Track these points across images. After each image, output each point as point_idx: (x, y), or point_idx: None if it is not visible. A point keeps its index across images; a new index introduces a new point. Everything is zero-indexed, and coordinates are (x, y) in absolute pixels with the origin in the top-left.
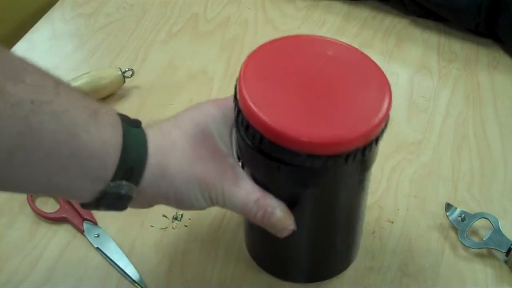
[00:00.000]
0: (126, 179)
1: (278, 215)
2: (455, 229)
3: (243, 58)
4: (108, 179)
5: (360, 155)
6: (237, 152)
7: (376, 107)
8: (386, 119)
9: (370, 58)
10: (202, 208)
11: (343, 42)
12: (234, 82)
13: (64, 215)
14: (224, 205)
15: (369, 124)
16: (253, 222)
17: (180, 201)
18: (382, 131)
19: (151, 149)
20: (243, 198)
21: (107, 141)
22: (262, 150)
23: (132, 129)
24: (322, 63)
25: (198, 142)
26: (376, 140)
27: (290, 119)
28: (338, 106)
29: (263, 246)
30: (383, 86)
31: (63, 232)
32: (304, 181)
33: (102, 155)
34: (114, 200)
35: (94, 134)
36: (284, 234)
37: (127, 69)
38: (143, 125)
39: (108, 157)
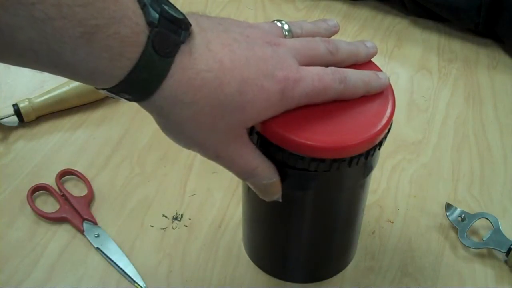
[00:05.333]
0: (118, 95)
1: (264, 184)
2: (455, 229)
3: None
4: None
5: (363, 159)
6: None
7: (380, 112)
8: (389, 124)
9: (373, 62)
10: None
11: None
12: None
13: (64, 215)
14: (217, 163)
15: (373, 129)
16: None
17: (168, 135)
18: (385, 136)
19: (164, 91)
20: (240, 168)
21: (98, 69)
22: (266, 153)
23: (154, 59)
24: None
25: (222, 112)
26: (380, 144)
27: (294, 122)
28: (342, 110)
29: (263, 247)
30: (386, 90)
31: (63, 232)
32: (307, 184)
33: (88, 79)
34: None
35: (80, 58)
36: (267, 199)
37: None
38: (192, 41)
39: (96, 81)
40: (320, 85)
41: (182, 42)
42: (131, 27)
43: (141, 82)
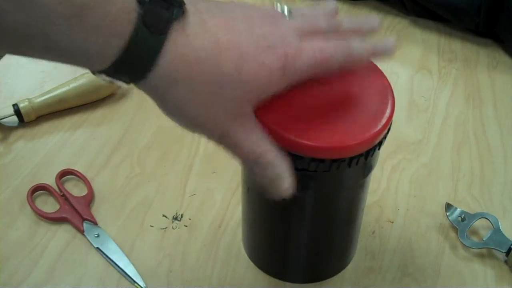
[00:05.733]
0: (114, 78)
1: (271, 177)
2: (455, 229)
3: None
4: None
5: (363, 159)
6: None
7: (379, 111)
8: (389, 124)
9: (372, 61)
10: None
11: None
12: None
13: (64, 215)
14: (218, 145)
15: (373, 129)
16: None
17: (171, 118)
18: (385, 136)
19: (158, 69)
20: (244, 152)
21: (91, 50)
22: None
23: (146, 37)
24: None
25: (221, 90)
26: (379, 144)
27: (293, 122)
28: (341, 110)
29: (262, 248)
30: (386, 90)
31: (63, 232)
32: (306, 184)
33: (82, 61)
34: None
35: (73, 39)
36: (274, 194)
37: None
38: (187, 19)
39: (90, 63)
40: (322, 56)
41: (175, 19)
42: (121, 5)
43: (136, 60)
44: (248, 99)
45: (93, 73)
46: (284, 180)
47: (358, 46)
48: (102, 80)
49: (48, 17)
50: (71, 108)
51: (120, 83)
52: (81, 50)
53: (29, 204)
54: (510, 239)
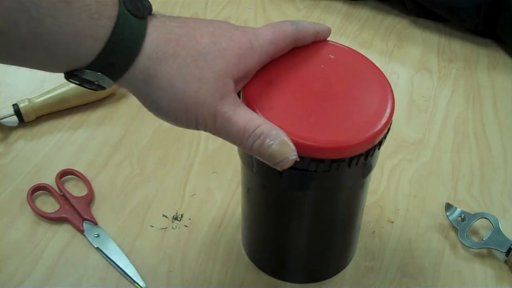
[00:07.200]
0: (103, 72)
1: (274, 148)
2: (455, 229)
3: None
4: (81, 66)
5: (363, 159)
6: (238, 154)
7: (379, 111)
8: (389, 124)
9: (371, 62)
10: (183, 127)
11: (345, 45)
12: None
13: (64, 215)
14: (214, 131)
15: (373, 129)
16: (246, 152)
17: (157, 111)
18: (385, 136)
19: (146, 50)
20: (240, 126)
21: (81, 32)
22: None
23: (131, 19)
24: (324, 66)
25: (205, 61)
26: (379, 144)
27: (293, 123)
28: (341, 110)
29: (262, 248)
30: (385, 90)
31: (63, 232)
32: (306, 184)
33: (72, 46)
34: (86, 82)
35: (61, 22)
36: (281, 166)
37: None
38: (156, 13)
39: (81, 49)
40: (277, 30)
41: (150, 8)
42: None
43: (126, 41)
44: (230, 74)
45: (80, 82)
46: (288, 145)
47: (303, 22)
48: (86, 87)
49: (36, 2)
50: (71, 108)
51: (105, 83)
52: (70, 31)
53: (29, 204)
54: (510, 239)
